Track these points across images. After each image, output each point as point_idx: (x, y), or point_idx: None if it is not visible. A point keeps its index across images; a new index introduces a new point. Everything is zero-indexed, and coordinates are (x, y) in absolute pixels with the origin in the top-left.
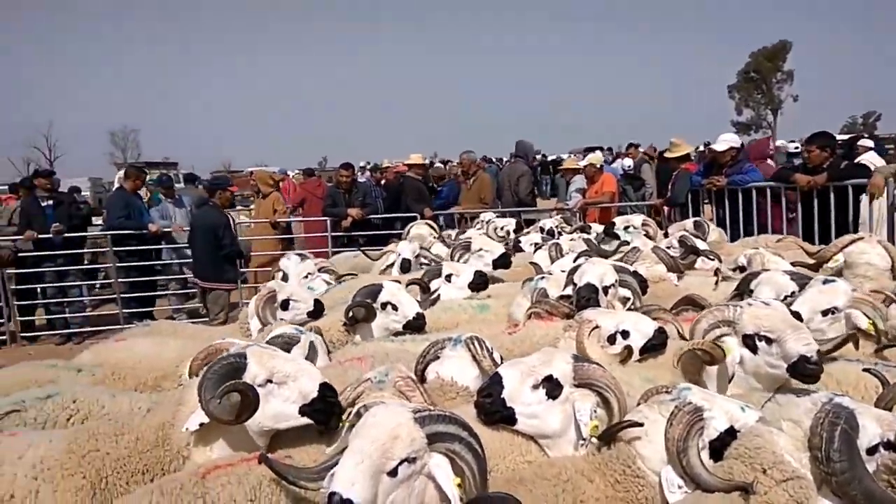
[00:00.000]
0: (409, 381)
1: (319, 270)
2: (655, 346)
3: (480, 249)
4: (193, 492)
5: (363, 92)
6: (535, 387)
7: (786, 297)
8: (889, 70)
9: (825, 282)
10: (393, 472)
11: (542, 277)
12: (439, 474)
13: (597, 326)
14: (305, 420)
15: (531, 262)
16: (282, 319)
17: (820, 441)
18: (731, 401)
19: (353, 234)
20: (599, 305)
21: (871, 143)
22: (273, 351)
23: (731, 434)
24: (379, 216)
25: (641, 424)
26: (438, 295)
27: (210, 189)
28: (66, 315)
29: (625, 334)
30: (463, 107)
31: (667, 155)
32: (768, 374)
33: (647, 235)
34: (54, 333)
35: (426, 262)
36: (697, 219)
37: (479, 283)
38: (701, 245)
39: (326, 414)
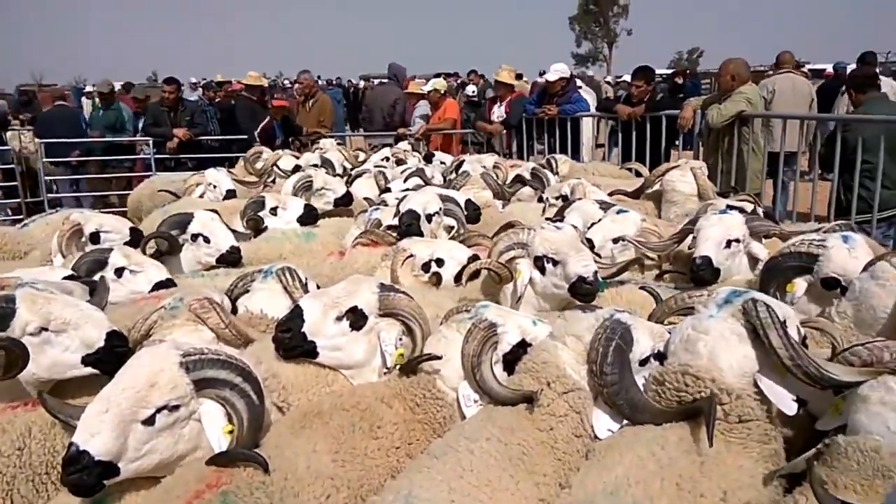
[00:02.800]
0: (206, 302)
1: None
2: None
3: (322, 188)
4: None
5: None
6: (339, 318)
7: (592, 224)
8: (713, 8)
9: (618, 212)
10: (149, 421)
11: (377, 208)
12: (206, 422)
13: (411, 255)
14: (90, 370)
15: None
16: None
17: (596, 355)
18: (524, 315)
19: (181, 156)
20: (421, 232)
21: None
22: (50, 294)
23: (522, 346)
24: (212, 138)
25: (440, 357)
26: (266, 227)
27: None
28: None
29: (439, 262)
30: (308, 28)
31: (494, 77)
32: (554, 294)
33: (487, 174)
34: None
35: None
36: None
37: (310, 217)
38: (551, 178)
39: (114, 364)
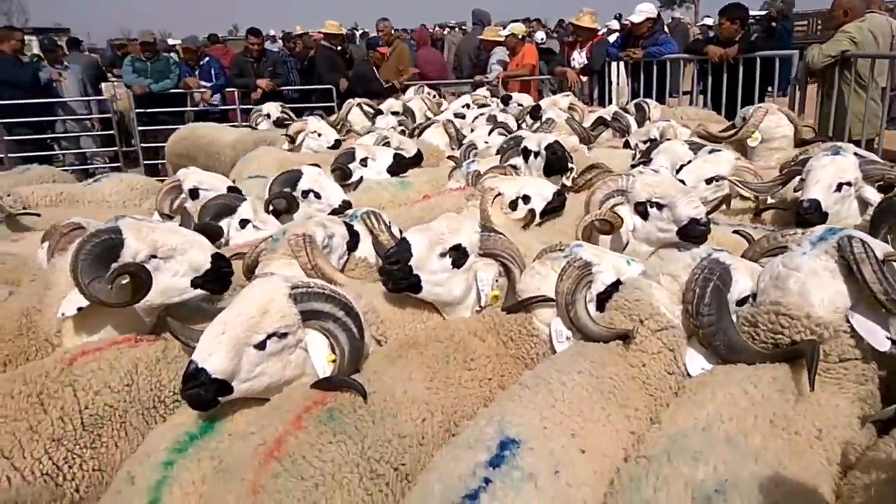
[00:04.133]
0: (301, 239)
1: None
2: (555, 208)
3: (398, 148)
4: (61, 380)
5: None
6: (443, 255)
7: (681, 166)
8: None
9: (711, 151)
10: (260, 346)
11: (472, 161)
12: (311, 350)
13: (499, 194)
14: (199, 292)
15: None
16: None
17: (692, 296)
18: (619, 256)
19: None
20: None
21: None
22: (150, 223)
23: (616, 286)
24: (293, 88)
25: (553, 299)
26: (361, 177)
27: None
28: None
29: (526, 199)
30: None
31: (573, 21)
32: (658, 238)
33: (572, 119)
34: None
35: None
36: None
37: (400, 166)
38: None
39: (222, 284)
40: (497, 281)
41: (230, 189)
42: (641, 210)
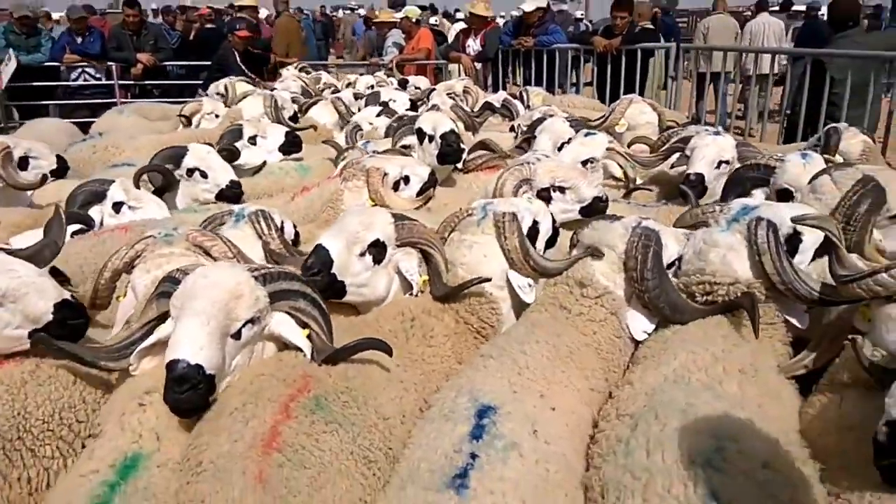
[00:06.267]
0: (206, 232)
1: None
2: (429, 187)
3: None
4: None
5: None
6: (362, 254)
7: (562, 144)
8: None
9: (587, 134)
10: (237, 335)
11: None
12: (285, 330)
13: (386, 174)
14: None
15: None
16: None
17: (635, 263)
18: (516, 200)
19: (146, 83)
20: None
21: None
22: None
23: (535, 229)
24: (178, 63)
25: (489, 279)
26: (265, 162)
27: None
28: None
29: (406, 179)
30: None
31: (469, 9)
32: (560, 220)
33: (458, 106)
34: None
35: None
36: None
37: (292, 145)
38: (521, 108)
39: (69, 339)
40: (420, 266)
41: (58, 158)
42: (545, 195)
